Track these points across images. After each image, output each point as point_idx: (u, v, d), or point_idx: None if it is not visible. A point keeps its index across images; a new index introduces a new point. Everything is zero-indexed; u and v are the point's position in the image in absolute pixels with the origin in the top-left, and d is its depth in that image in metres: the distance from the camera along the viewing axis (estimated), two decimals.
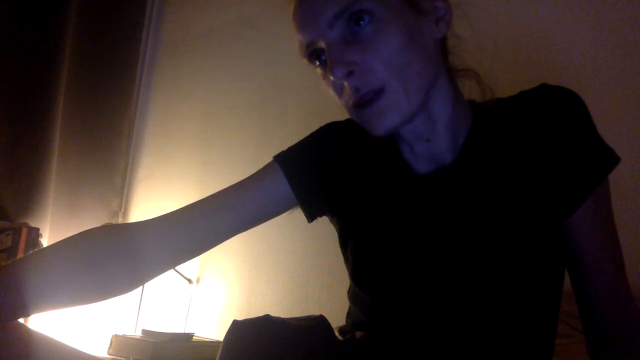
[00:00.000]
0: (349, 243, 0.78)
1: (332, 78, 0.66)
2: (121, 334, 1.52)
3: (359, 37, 0.66)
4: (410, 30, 0.67)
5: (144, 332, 1.53)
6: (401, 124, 0.68)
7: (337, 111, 0.77)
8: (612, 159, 0.71)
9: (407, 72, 0.66)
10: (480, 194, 0.71)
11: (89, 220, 2.00)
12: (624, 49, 1.23)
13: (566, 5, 1.32)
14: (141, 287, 1.60)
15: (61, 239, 0.72)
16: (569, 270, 0.74)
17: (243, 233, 0.79)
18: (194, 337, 1.59)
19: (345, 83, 0.67)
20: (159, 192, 2.08)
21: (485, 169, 0.72)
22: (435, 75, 0.70)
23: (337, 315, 0.83)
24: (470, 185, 0.72)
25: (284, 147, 0.82)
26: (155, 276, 0.77)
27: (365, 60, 0.66)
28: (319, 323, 0.65)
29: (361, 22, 0.65)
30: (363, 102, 0.67)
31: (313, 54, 0.70)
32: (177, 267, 1.72)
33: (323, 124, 0.84)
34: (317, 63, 0.71)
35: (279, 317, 0.65)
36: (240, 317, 0.63)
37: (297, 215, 0.82)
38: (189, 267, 1.82)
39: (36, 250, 0.74)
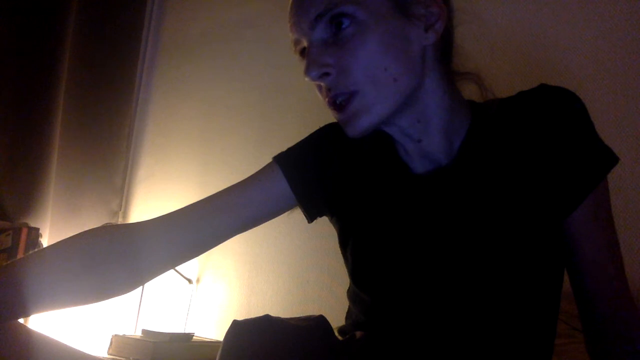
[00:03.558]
0: (348, 243, 0.78)
1: (306, 78, 0.68)
2: (121, 334, 1.52)
3: (339, 40, 0.67)
4: (392, 35, 0.67)
5: (144, 332, 1.52)
6: (375, 126, 0.69)
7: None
8: (610, 159, 0.71)
9: (383, 77, 0.67)
10: (478, 193, 0.71)
11: (89, 220, 2.00)
12: (625, 50, 1.23)
13: (567, 7, 1.32)
14: (141, 287, 1.60)
15: (61, 239, 0.72)
16: (568, 270, 0.74)
17: (243, 233, 0.79)
18: (194, 337, 1.58)
19: (322, 84, 0.69)
20: (159, 192, 2.08)
21: (483, 169, 0.72)
22: (417, 79, 0.70)
23: (337, 315, 0.83)
24: (468, 185, 0.72)
25: (284, 147, 0.83)
26: (155, 276, 0.77)
27: (340, 63, 0.67)
28: (319, 323, 0.65)
29: (342, 25, 0.66)
30: (337, 104, 0.68)
31: (302, 52, 0.72)
32: (177, 267, 1.71)
33: (323, 124, 0.85)
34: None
35: (278, 317, 0.65)
36: (240, 317, 0.63)
37: (297, 215, 0.82)
38: (189, 267, 1.81)
39: (36, 250, 0.74)
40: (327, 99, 0.70)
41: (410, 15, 0.69)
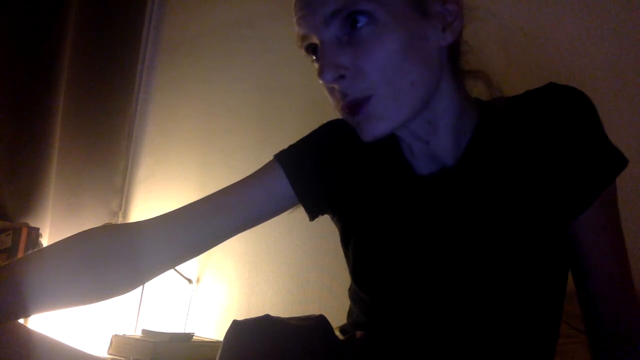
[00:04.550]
0: (350, 242, 0.78)
1: (320, 81, 0.65)
2: (121, 334, 1.52)
3: (354, 39, 0.63)
4: (410, 36, 0.64)
5: (144, 332, 1.52)
6: (391, 132, 0.67)
7: (337, 111, 0.77)
8: (620, 162, 0.70)
9: (400, 81, 0.64)
10: (483, 195, 0.70)
11: (89, 220, 2.00)
12: (629, 50, 1.23)
13: (568, 6, 1.32)
14: (141, 287, 1.60)
15: (61, 239, 0.72)
16: (573, 272, 0.73)
17: (243, 233, 0.79)
18: (194, 337, 1.58)
19: (335, 86, 0.65)
20: (159, 192, 2.08)
21: (489, 170, 0.71)
22: (435, 83, 0.68)
23: (337, 315, 0.83)
24: (473, 186, 0.71)
25: (284, 147, 0.82)
26: (156, 276, 0.77)
27: (357, 65, 0.63)
28: (319, 323, 0.65)
29: (358, 24, 0.63)
30: (351, 108, 0.65)
31: (309, 47, 0.69)
32: (177, 267, 1.71)
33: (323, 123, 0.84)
34: (314, 57, 0.69)
35: (278, 317, 0.64)
36: (240, 317, 0.63)
37: (297, 214, 0.82)
38: (189, 267, 1.81)
39: (36, 250, 0.74)
40: (341, 104, 0.66)
41: (428, 14, 0.66)
